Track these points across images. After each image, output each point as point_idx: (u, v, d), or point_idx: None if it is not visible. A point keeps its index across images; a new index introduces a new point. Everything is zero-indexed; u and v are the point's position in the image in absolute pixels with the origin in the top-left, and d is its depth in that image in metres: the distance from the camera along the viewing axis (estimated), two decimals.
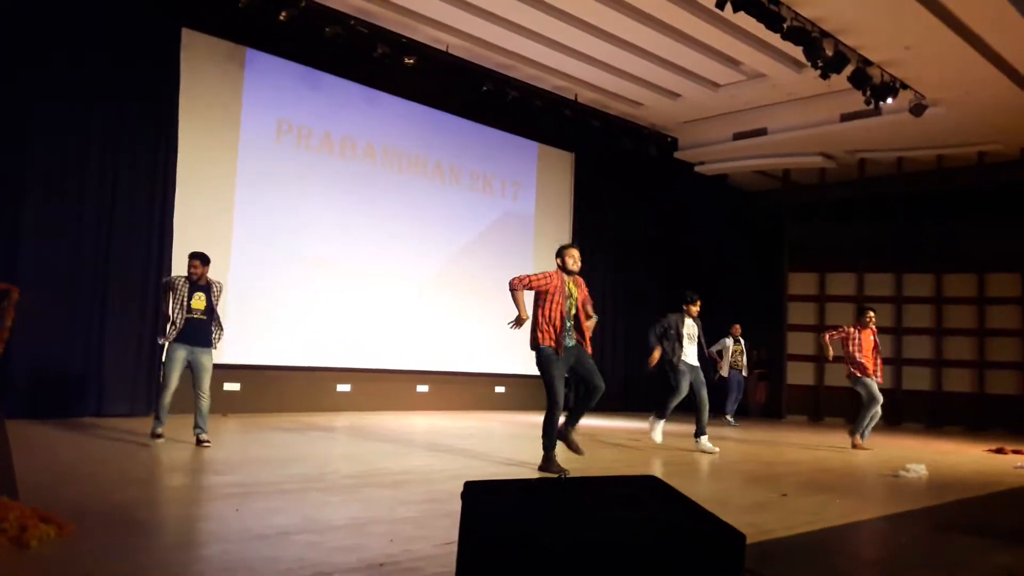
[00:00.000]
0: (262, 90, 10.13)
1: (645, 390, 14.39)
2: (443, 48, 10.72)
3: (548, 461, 6.04)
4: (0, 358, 3.41)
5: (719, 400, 12.44)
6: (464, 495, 2.51)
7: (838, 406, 15.16)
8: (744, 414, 15.20)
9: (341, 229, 10.77)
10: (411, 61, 10.34)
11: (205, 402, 6.75)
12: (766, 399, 15.95)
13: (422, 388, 11.75)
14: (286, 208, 10.27)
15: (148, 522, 3.97)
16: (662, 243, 14.98)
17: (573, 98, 12.49)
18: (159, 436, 6.62)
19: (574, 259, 6.24)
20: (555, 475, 5.85)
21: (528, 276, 6.16)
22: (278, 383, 10.17)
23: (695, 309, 8.44)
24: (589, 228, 13.92)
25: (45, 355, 8.06)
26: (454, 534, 2.58)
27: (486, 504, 2.48)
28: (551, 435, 6.05)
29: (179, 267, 9.11)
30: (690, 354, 8.31)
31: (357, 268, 10.90)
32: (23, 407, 7.54)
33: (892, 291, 15.13)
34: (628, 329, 14.25)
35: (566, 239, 13.70)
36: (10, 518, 3.20)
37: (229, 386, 9.70)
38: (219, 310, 6.94)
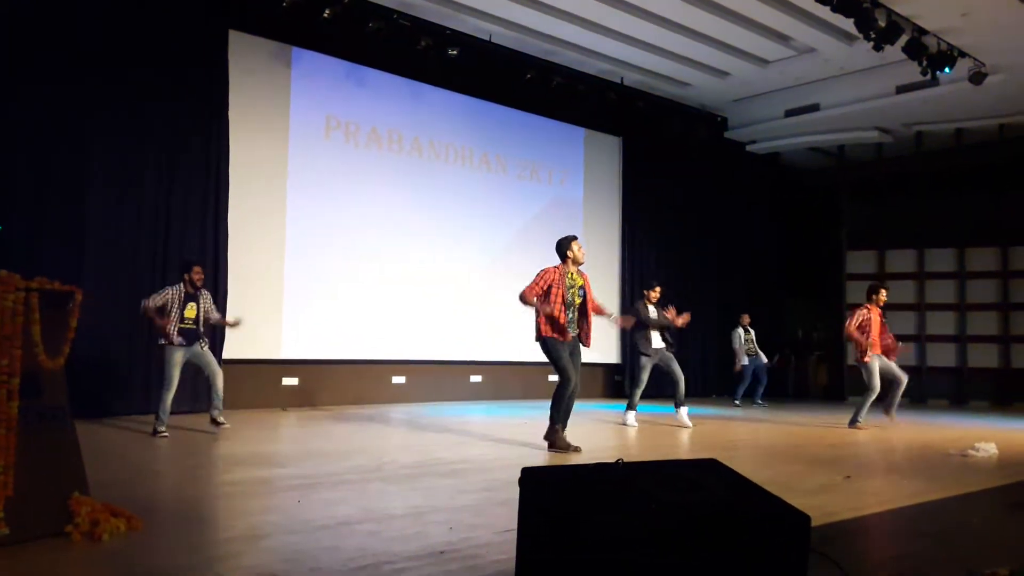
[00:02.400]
0: (309, 88, 10.24)
1: (697, 376, 14.27)
2: (486, 38, 10.71)
3: (553, 433, 6.33)
4: (66, 359, 3.49)
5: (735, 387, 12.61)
6: (522, 482, 2.50)
7: None
8: (805, 397, 14.99)
9: (391, 222, 10.85)
10: (454, 52, 10.34)
11: (220, 380, 7.20)
12: (827, 381, 15.64)
13: (476, 378, 11.80)
14: (337, 203, 10.38)
15: (214, 515, 4.06)
16: (714, 225, 14.74)
17: (619, 81, 12.36)
18: (163, 434, 6.76)
19: (576, 249, 6.48)
20: (562, 450, 6.18)
21: (530, 288, 6.36)
22: (334, 377, 10.31)
23: (654, 295, 9.02)
24: (638, 211, 13.78)
25: (108, 355, 8.28)
26: (513, 522, 2.58)
27: (544, 490, 2.47)
28: (559, 408, 6.32)
29: (235, 265, 9.32)
30: (655, 338, 8.85)
31: (408, 261, 10.96)
32: (88, 407, 7.77)
33: (955, 267, 14.67)
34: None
35: (615, 224, 13.61)
36: (82, 513, 3.30)
37: (287, 381, 9.88)
38: (214, 314, 7.34)
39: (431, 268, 11.18)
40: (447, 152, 11.62)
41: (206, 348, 7.23)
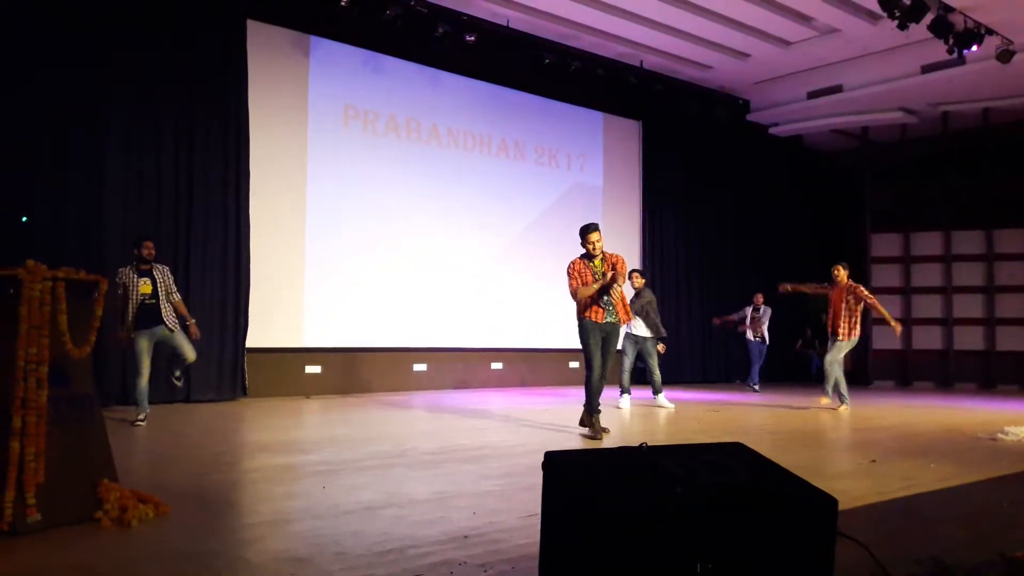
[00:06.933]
0: (328, 76, 10.24)
1: (719, 362, 14.19)
2: (503, 23, 10.65)
3: (588, 418, 6.37)
4: (92, 348, 3.52)
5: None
6: (545, 466, 2.49)
7: (927, 370, 14.63)
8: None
9: (410, 210, 10.85)
10: (472, 39, 10.30)
11: (191, 355, 6.89)
12: (851, 366, 15.48)
13: (496, 365, 11.81)
14: (356, 192, 10.40)
15: (240, 501, 4.09)
16: (735, 209, 14.62)
17: (638, 65, 12.25)
18: (140, 422, 6.58)
19: (591, 242, 6.47)
20: (594, 437, 6.25)
21: (572, 286, 6.47)
22: (357, 364, 10.36)
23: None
24: (659, 196, 13.69)
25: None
26: (537, 506, 2.57)
27: (568, 474, 2.46)
28: (589, 394, 6.40)
29: (257, 256, 9.37)
30: (639, 327, 9.22)
31: (428, 248, 10.97)
32: (115, 395, 7.89)
33: (982, 249, 14.45)
34: (703, 299, 14.00)
35: (635, 209, 13.54)
36: (111, 500, 3.34)
37: (310, 368, 9.93)
38: (175, 294, 6.90)
39: (451, 255, 11.19)
40: (465, 139, 11.59)
41: (177, 331, 6.81)
